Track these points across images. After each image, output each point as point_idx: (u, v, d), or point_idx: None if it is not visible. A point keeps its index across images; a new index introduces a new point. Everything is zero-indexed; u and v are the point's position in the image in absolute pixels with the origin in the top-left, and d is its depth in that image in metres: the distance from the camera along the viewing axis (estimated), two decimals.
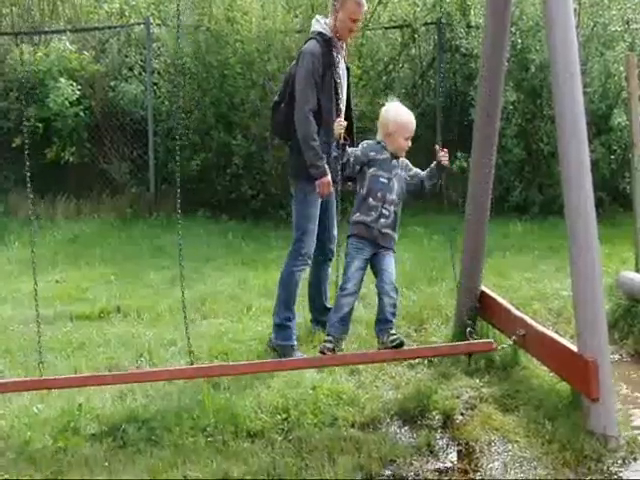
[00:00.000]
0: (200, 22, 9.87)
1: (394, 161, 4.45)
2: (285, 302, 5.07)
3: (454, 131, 10.67)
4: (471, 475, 3.77)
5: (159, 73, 10.38)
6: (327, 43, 4.93)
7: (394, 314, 4.42)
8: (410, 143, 4.49)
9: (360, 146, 4.50)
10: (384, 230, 4.44)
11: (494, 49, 5.01)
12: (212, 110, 9.73)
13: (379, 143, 4.47)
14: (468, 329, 4.66)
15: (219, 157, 9.59)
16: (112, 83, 10.46)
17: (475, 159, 5.23)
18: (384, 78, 10.85)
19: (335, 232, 5.29)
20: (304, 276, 5.19)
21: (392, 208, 4.43)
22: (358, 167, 4.42)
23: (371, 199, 4.39)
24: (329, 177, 4.84)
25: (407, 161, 4.59)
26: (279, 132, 5.35)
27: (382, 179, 4.39)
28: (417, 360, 4.95)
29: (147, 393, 4.51)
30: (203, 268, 7.25)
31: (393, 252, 4.55)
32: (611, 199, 8.92)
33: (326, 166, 4.84)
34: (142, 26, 10.66)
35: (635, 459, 3.91)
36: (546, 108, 9.57)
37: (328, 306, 5.36)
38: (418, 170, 4.58)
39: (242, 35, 9.59)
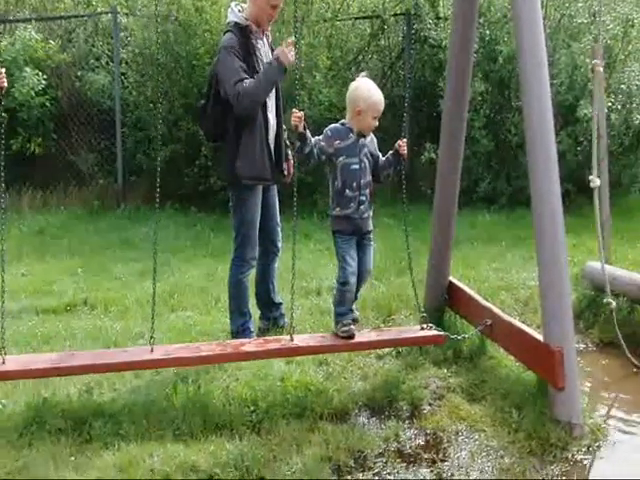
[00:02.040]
0: (168, 12, 9.74)
1: (361, 140, 4.38)
2: (238, 309, 5.05)
3: (423, 122, 10.72)
4: (439, 465, 3.79)
5: (127, 63, 10.27)
6: (243, 32, 4.81)
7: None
8: (377, 123, 4.42)
9: (324, 135, 4.37)
10: (364, 215, 4.47)
11: (462, 40, 5.02)
12: (181, 101, 9.65)
13: (343, 125, 4.39)
14: (421, 317, 4.66)
15: (187, 148, 9.51)
16: (79, 73, 10.34)
17: (443, 150, 5.25)
18: (353, 69, 10.83)
19: (279, 228, 5.27)
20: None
21: (367, 190, 4.44)
22: (324, 157, 4.38)
23: (348, 190, 4.37)
24: (281, 48, 4.72)
25: (374, 139, 4.54)
26: (210, 137, 5.23)
27: (354, 166, 4.35)
28: (385, 351, 4.97)
29: (114, 387, 4.48)
30: (171, 260, 7.20)
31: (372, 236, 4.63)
32: (577, 190, 8.99)
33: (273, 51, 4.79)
34: (109, 15, 10.52)
35: (599, 447, 3.98)
36: (514, 99, 9.65)
37: (277, 301, 5.33)
38: (379, 155, 4.55)
39: (211, 25, 9.50)
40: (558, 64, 9.42)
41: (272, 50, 5.01)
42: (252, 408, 4.16)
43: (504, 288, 6.16)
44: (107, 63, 10.48)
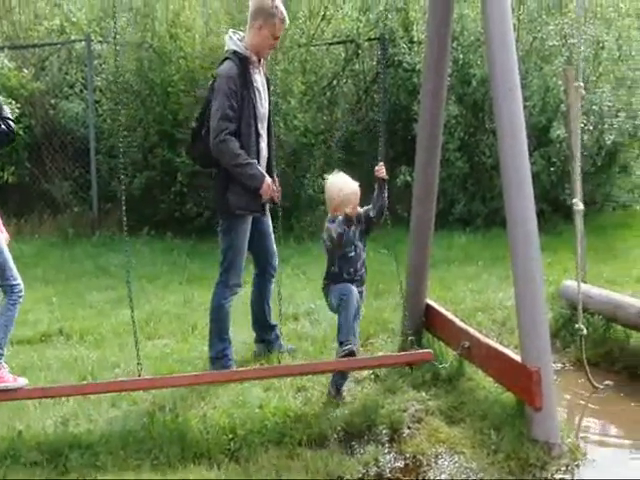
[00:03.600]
0: (142, 39, 9.76)
1: (352, 228, 4.60)
2: (218, 335, 5.01)
3: (398, 146, 10.78)
4: None
5: (101, 91, 10.26)
6: (243, 62, 4.79)
7: None
8: (358, 208, 4.61)
9: (333, 232, 4.51)
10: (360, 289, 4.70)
11: (436, 64, 5.07)
12: (155, 128, 9.65)
13: (333, 221, 4.55)
14: (409, 339, 4.73)
15: (163, 175, 9.50)
16: (53, 101, 10.31)
17: (419, 173, 5.28)
18: (328, 93, 10.91)
19: (274, 248, 5.28)
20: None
21: (363, 270, 4.72)
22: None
23: (345, 275, 4.65)
24: (267, 179, 4.77)
25: (360, 210, 4.68)
26: (202, 161, 5.15)
27: (350, 254, 4.63)
28: (364, 375, 4.96)
29: (90, 417, 4.43)
30: (148, 287, 7.16)
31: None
32: (552, 210, 9.09)
33: (260, 169, 4.77)
34: (83, 43, 10.52)
35: (578, 465, 3.98)
36: (488, 122, 9.74)
37: (272, 323, 5.32)
38: (366, 207, 4.69)
39: (185, 52, 9.54)
40: (530, 86, 9.52)
41: (267, 79, 5.04)
42: (230, 436, 4.12)
43: (481, 309, 6.18)
44: (81, 91, 10.46)
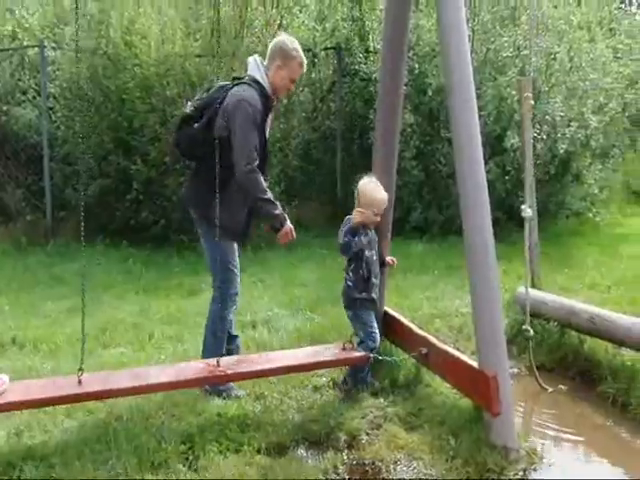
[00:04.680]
0: (97, 45, 9.65)
1: (370, 233, 4.85)
2: (219, 349, 4.79)
3: (354, 154, 10.85)
4: None
5: (55, 97, 10.12)
6: (266, 99, 4.60)
7: None
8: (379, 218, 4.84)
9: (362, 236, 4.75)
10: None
11: (391, 74, 5.11)
12: (110, 135, 9.52)
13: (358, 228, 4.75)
14: (345, 342, 4.81)
15: (118, 183, 9.38)
16: (4, 107, 10.13)
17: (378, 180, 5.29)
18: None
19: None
20: None
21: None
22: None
23: (373, 279, 4.87)
24: (289, 224, 4.58)
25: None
26: (183, 149, 4.81)
27: (374, 257, 4.89)
28: (322, 382, 4.98)
29: (45, 429, 4.34)
30: (103, 296, 7.05)
31: None
32: (507, 218, 9.20)
33: (284, 214, 4.58)
34: (36, 49, 10.36)
35: (535, 469, 4.03)
36: (443, 130, 9.85)
37: (234, 333, 5.27)
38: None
39: (140, 59, 9.44)
40: (485, 96, 9.66)
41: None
42: (188, 444, 4.08)
43: (438, 316, 6.23)
44: (34, 97, 10.31)
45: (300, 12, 11.36)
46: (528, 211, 5.50)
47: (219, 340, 4.86)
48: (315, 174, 10.96)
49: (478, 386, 4.20)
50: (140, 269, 8.16)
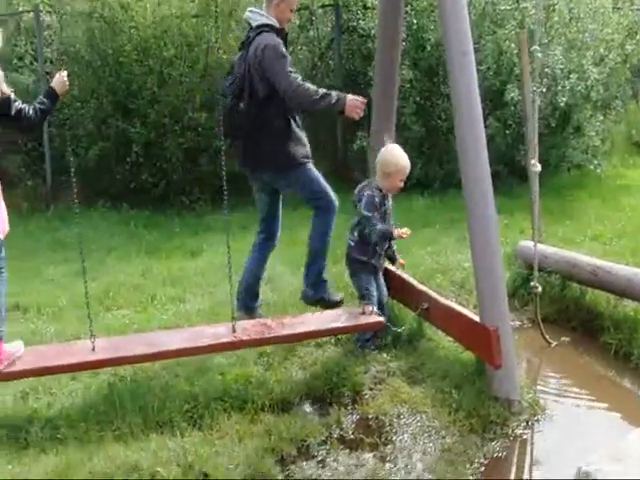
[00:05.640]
0: (93, 9, 9.53)
1: (387, 204, 4.86)
2: (325, 257, 5.13)
3: None
4: (381, 449, 3.82)
5: (52, 62, 10.02)
6: (279, 34, 4.82)
7: None
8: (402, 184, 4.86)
9: (372, 204, 4.72)
10: (383, 262, 5.04)
11: (389, 29, 5.04)
12: (109, 98, 9.44)
13: (375, 191, 4.77)
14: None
15: (118, 146, 9.33)
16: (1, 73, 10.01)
17: (374, 138, 5.27)
18: None
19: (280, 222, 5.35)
20: None
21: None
22: None
23: (378, 248, 4.87)
24: (349, 95, 4.69)
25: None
26: (245, 134, 4.97)
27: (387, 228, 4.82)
28: (324, 339, 4.97)
29: (51, 391, 4.37)
30: (106, 259, 7.07)
31: None
32: (508, 171, 9.15)
33: (338, 93, 4.70)
34: (31, 14, 10.22)
35: (537, 420, 4.07)
36: (443, 86, 9.74)
37: (258, 292, 5.31)
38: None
39: (137, 21, 9.34)
40: (484, 50, 9.54)
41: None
42: (192, 404, 4.11)
43: (440, 271, 6.21)
44: (31, 63, 10.20)
45: None
46: (537, 166, 5.45)
47: (325, 253, 5.13)
48: (315, 132, 10.87)
49: (479, 339, 4.22)
50: (142, 231, 8.15)
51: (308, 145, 5.02)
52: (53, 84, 4.63)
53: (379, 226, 4.73)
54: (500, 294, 4.21)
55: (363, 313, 4.59)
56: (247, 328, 4.41)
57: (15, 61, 10.22)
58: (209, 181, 9.16)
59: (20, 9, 10.82)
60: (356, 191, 4.92)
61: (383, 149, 4.86)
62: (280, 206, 5.29)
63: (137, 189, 9.24)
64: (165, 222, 8.57)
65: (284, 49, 4.75)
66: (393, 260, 5.09)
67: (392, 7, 5.00)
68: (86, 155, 9.14)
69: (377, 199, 4.76)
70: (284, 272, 6.47)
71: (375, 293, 4.82)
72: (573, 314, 5.43)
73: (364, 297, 4.77)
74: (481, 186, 4.22)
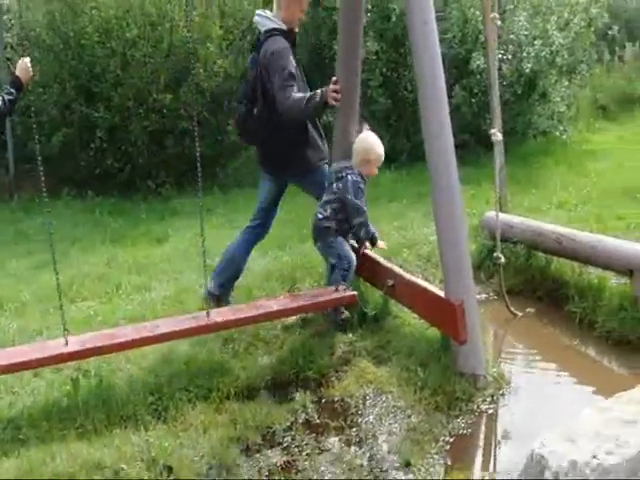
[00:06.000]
0: None
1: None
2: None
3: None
4: (347, 432, 3.80)
5: (12, 47, 9.81)
6: (287, 36, 4.85)
7: None
8: None
9: (360, 191, 4.76)
10: None
11: (350, 2, 4.94)
12: (72, 83, 9.23)
13: (360, 177, 4.79)
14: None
15: (82, 131, 9.16)
16: None
17: (340, 112, 5.16)
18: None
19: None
20: None
21: None
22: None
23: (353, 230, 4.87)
24: (326, 90, 4.72)
25: None
26: (260, 140, 5.08)
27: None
28: (291, 320, 4.94)
29: (12, 390, 4.29)
30: (70, 250, 6.95)
31: None
32: (475, 141, 9.13)
33: (317, 92, 4.72)
34: None
35: (503, 394, 4.08)
36: (409, 57, 9.63)
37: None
38: None
39: (98, 2, 9.15)
40: (450, 18, 9.45)
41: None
42: (157, 396, 4.06)
43: (406, 245, 6.18)
44: None
45: None
46: (498, 135, 5.42)
47: None
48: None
49: (444, 315, 4.20)
50: (107, 219, 8.02)
51: (325, 146, 5.10)
52: (17, 72, 4.57)
53: (371, 228, 4.80)
54: (465, 267, 4.18)
55: (336, 290, 4.57)
56: (220, 312, 4.39)
57: None
58: (174, 164, 9.07)
59: None
60: (332, 169, 4.89)
61: (361, 136, 4.90)
62: (281, 199, 5.33)
63: (102, 175, 9.10)
64: (131, 208, 8.46)
65: (291, 55, 4.79)
66: (373, 242, 5.00)
67: None
68: (49, 142, 8.96)
69: (362, 185, 4.78)
70: (252, 256, 6.39)
71: (353, 255, 4.77)
72: (539, 284, 5.44)
73: (342, 258, 4.70)
74: (445, 157, 4.18)
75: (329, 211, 4.79)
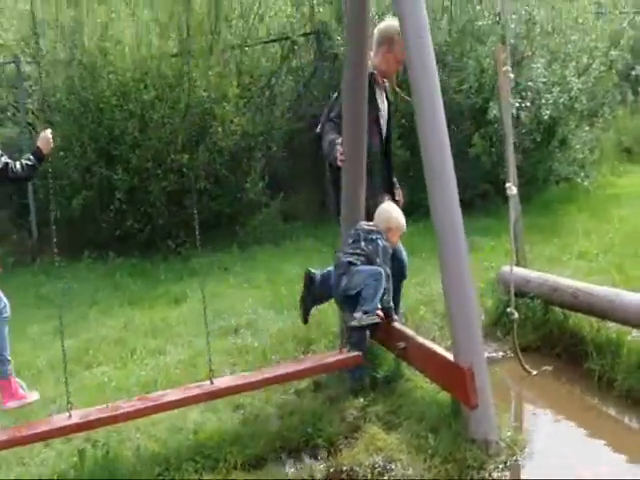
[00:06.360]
0: (72, 56, 9.52)
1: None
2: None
3: None
4: None
5: (33, 113, 10.02)
6: (369, 79, 4.96)
7: None
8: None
9: (388, 259, 4.77)
10: None
11: (357, 55, 4.94)
12: (92, 146, 9.37)
13: (389, 247, 4.83)
14: (344, 341, 4.64)
15: (102, 193, 9.27)
16: None
17: (346, 165, 5.13)
18: (267, 93, 10.77)
19: None
20: None
21: None
22: None
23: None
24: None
25: None
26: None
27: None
28: (303, 385, 4.88)
29: (23, 461, 4.28)
30: (88, 313, 6.99)
31: None
32: (494, 190, 9.06)
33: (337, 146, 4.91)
34: (13, 65, 10.23)
35: (517, 461, 3.94)
36: None
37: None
38: None
39: (115, 66, 9.32)
40: (466, 68, 9.47)
41: (387, 97, 5.34)
42: (164, 467, 4.02)
43: (423, 302, 6.10)
44: (14, 114, 10.21)
45: (274, 3, 11.14)
46: (513, 189, 5.38)
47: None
48: (301, 165, 10.81)
49: (454, 379, 4.10)
50: (127, 281, 8.06)
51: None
52: (39, 143, 4.68)
53: (365, 306, 4.53)
54: (473, 330, 4.09)
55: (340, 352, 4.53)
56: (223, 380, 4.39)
57: None
58: (194, 223, 9.09)
59: (1, 60, 10.80)
60: (360, 228, 4.84)
61: (382, 205, 4.97)
62: None
63: (122, 236, 9.17)
64: (151, 269, 8.47)
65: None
66: (388, 315, 4.76)
67: (359, 32, 4.86)
68: (70, 205, 9.09)
69: (389, 253, 4.82)
70: (265, 315, 6.38)
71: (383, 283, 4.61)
72: (557, 340, 5.31)
73: (370, 290, 4.53)
74: (450, 218, 4.14)
75: (354, 257, 4.71)
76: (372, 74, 5.07)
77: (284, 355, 5.47)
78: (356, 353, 4.47)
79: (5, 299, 4.54)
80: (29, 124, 9.99)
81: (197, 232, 4.49)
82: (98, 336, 6.27)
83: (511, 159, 5.65)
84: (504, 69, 5.63)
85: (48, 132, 4.73)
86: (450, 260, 4.17)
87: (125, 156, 9.17)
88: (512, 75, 5.92)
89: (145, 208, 9.07)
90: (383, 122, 5.30)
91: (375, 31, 5.26)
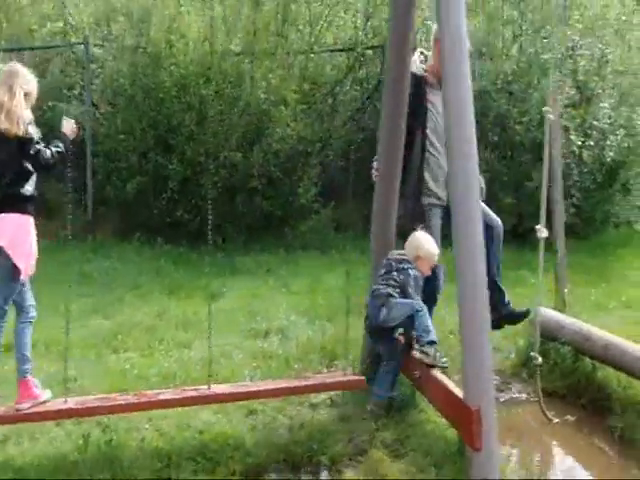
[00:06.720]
0: (138, 43, 9.72)
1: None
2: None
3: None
4: None
5: (102, 92, 10.23)
6: (418, 82, 4.95)
7: None
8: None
9: (419, 287, 4.78)
10: None
11: (398, 64, 4.90)
12: (151, 133, 9.57)
13: (420, 278, 4.82)
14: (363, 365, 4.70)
15: (156, 180, 9.44)
16: (50, 103, 10.29)
17: (379, 181, 5.11)
18: (330, 101, 10.79)
19: None
20: None
21: None
22: None
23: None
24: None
25: None
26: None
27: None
28: (320, 399, 4.87)
29: (34, 436, 4.37)
30: (126, 296, 7.11)
31: None
32: (550, 226, 8.87)
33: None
34: (82, 46, 10.50)
35: None
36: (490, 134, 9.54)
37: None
38: None
39: (178, 59, 9.48)
40: (530, 100, 9.33)
41: None
42: (165, 462, 4.05)
43: (455, 331, 6.00)
44: (80, 94, 10.46)
45: (345, 12, 11.16)
46: (544, 231, 5.27)
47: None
48: (357, 175, 10.79)
49: (461, 418, 4.01)
50: (170, 268, 8.18)
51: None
52: (63, 129, 4.80)
53: (427, 338, 4.60)
54: (485, 372, 3.96)
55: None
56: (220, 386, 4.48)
57: (64, 91, 10.48)
58: (243, 221, 9.19)
59: (73, 41, 11.06)
60: (392, 257, 4.86)
61: (415, 233, 4.93)
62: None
63: (173, 224, 9.32)
64: (196, 260, 8.53)
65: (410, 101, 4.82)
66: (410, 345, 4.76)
67: (401, 43, 4.79)
68: (124, 188, 9.26)
69: (421, 282, 4.81)
70: (297, 322, 6.39)
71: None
72: (584, 390, 5.15)
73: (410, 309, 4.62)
74: (471, 258, 3.99)
75: (391, 289, 4.72)
76: (421, 77, 4.99)
77: (307, 366, 5.47)
78: (360, 377, 4.53)
79: (32, 300, 4.60)
80: (93, 104, 10.20)
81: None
82: (131, 321, 6.37)
83: (544, 200, 5.49)
84: (550, 116, 5.38)
85: (72, 121, 4.84)
86: (467, 295, 4.04)
87: (181, 147, 9.32)
88: (552, 116, 5.69)
89: (196, 200, 9.18)
90: (437, 122, 5.00)
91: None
